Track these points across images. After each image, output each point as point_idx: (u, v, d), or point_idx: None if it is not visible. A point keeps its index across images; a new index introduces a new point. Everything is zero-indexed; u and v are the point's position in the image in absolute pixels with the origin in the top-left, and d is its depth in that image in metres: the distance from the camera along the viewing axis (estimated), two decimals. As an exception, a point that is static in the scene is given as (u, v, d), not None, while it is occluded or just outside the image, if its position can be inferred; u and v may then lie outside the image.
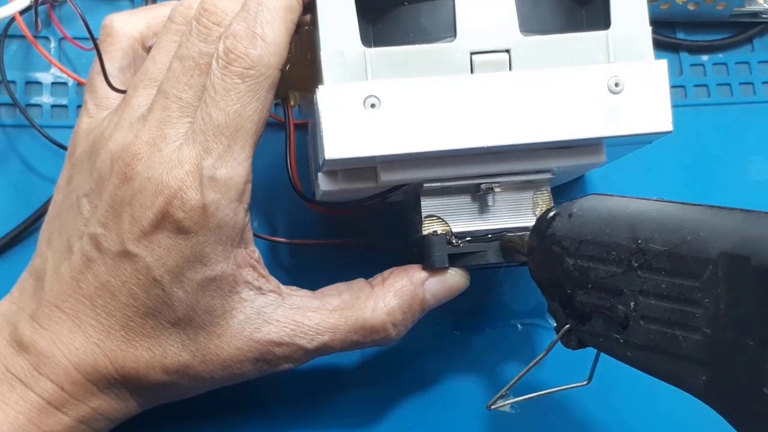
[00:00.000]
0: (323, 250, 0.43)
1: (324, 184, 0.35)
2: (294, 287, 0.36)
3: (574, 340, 0.32)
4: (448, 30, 0.33)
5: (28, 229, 0.41)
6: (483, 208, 0.36)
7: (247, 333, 0.34)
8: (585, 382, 0.36)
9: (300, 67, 0.36)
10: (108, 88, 0.36)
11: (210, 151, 0.32)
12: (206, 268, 0.33)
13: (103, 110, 0.36)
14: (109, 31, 0.36)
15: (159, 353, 0.34)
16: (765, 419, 0.26)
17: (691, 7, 0.49)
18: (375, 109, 0.32)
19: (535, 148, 0.34)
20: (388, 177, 0.34)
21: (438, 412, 0.42)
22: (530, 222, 0.36)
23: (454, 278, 0.37)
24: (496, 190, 0.36)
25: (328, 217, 0.42)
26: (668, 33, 0.50)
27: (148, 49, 0.37)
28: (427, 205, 0.36)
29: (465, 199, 0.36)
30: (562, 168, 0.36)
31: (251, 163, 0.33)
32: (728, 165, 0.48)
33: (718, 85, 0.50)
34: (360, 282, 0.37)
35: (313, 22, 0.34)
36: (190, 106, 0.32)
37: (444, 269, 0.36)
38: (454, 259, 0.36)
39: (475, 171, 0.35)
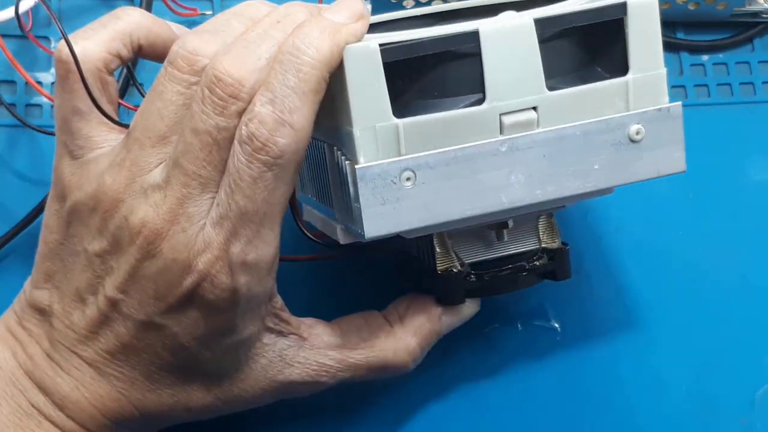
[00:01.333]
0: (315, 265, 0.43)
1: (344, 238, 0.35)
2: (311, 321, 0.36)
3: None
4: (473, 88, 0.32)
5: (27, 227, 0.41)
6: (493, 239, 0.37)
7: (270, 375, 0.35)
8: None
9: None
10: (88, 128, 0.33)
11: (238, 236, 0.30)
12: (235, 335, 0.33)
13: (88, 151, 0.33)
14: (69, 66, 0.32)
15: (184, 398, 0.34)
16: None
17: (691, 6, 0.49)
18: (410, 183, 0.31)
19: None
20: (412, 235, 0.34)
21: (438, 412, 0.42)
22: (535, 245, 0.37)
23: (469, 309, 0.38)
24: (510, 225, 0.37)
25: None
26: (668, 33, 0.50)
27: (110, 72, 0.34)
28: (441, 243, 0.36)
29: (477, 234, 0.37)
30: (575, 203, 0.37)
31: (279, 240, 0.32)
32: (728, 165, 0.48)
33: (718, 85, 0.50)
34: (377, 318, 0.37)
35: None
36: (211, 183, 0.31)
37: (459, 303, 0.38)
38: (468, 292, 0.37)
39: (495, 219, 0.36)
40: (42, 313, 0.34)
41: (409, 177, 0.32)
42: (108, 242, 0.32)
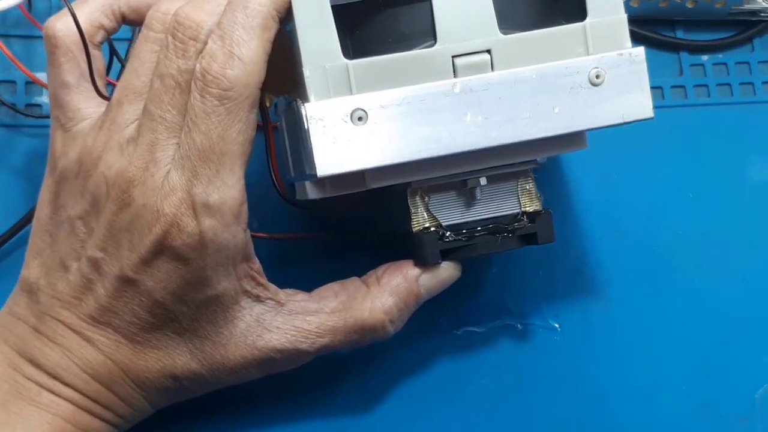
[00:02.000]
0: (303, 244, 0.43)
1: (312, 192, 0.36)
2: (291, 291, 0.36)
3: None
4: (427, 33, 0.33)
5: (27, 226, 0.41)
6: (470, 201, 0.37)
7: (250, 341, 0.35)
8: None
9: (273, 68, 0.36)
10: (77, 100, 0.35)
11: (199, 176, 0.31)
12: (208, 289, 0.33)
13: (78, 122, 0.35)
14: (55, 42, 0.34)
15: (169, 363, 0.34)
16: None
17: (689, 4, 0.49)
18: (362, 123, 0.32)
19: (521, 143, 0.34)
20: (376, 182, 0.35)
21: (438, 412, 0.42)
22: (515, 209, 0.37)
23: (447, 271, 0.37)
24: (482, 183, 0.36)
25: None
26: (668, 33, 0.50)
27: (96, 46, 0.35)
28: (415, 202, 0.36)
29: (452, 193, 0.37)
30: (546, 157, 0.37)
31: (243, 184, 0.32)
32: (728, 165, 0.48)
33: (718, 85, 0.50)
34: (354, 281, 0.37)
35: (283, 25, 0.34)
36: (176, 127, 0.32)
37: (437, 263, 0.37)
38: (446, 253, 0.37)
39: (462, 169, 0.35)
40: (30, 292, 0.34)
41: (361, 117, 0.32)
42: (88, 202, 0.33)
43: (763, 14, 0.50)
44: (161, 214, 0.31)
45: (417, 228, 0.36)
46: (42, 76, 0.44)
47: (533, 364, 0.43)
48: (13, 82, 0.44)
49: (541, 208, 0.37)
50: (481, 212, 0.37)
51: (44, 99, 0.44)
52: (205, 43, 0.31)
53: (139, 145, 0.32)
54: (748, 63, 0.50)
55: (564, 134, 0.34)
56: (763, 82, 0.50)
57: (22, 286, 0.35)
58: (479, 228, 0.37)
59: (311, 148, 0.32)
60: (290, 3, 0.32)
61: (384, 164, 0.32)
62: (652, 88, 0.33)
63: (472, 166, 0.35)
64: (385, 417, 0.42)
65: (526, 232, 0.37)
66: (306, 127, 0.32)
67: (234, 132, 0.31)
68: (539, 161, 0.37)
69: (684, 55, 0.50)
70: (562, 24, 0.34)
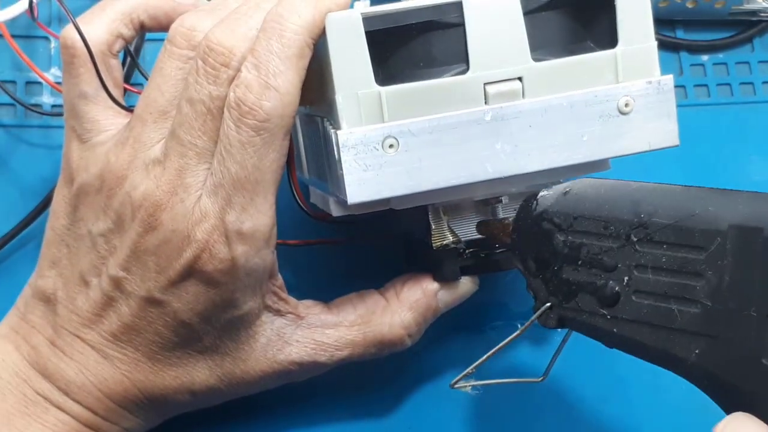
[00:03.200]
0: (315, 250, 0.43)
1: (336, 210, 0.36)
2: (309, 302, 0.37)
3: (554, 318, 0.33)
4: (460, 59, 0.33)
5: (28, 227, 0.41)
6: (490, 217, 0.37)
7: (270, 355, 0.35)
8: (540, 378, 0.36)
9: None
10: (95, 111, 0.34)
11: (233, 204, 0.31)
12: (235, 310, 0.33)
13: (96, 134, 0.34)
14: (74, 52, 0.34)
15: (187, 380, 0.34)
16: (763, 389, 0.26)
17: (689, 5, 0.49)
18: (393, 150, 0.32)
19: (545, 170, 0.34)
20: (401, 205, 0.34)
21: (437, 412, 0.42)
22: None
23: (465, 287, 0.38)
24: (504, 201, 0.36)
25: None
26: (668, 32, 0.50)
27: (115, 55, 0.35)
28: (437, 219, 0.36)
29: (473, 211, 0.37)
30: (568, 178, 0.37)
31: (275, 210, 0.32)
32: (728, 165, 0.48)
33: (718, 85, 0.50)
34: (373, 294, 0.37)
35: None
36: (206, 152, 0.31)
37: (456, 279, 0.37)
38: (465, 269, 0.37)
39: (487, 193, 0.36)
40: (46, 302, 0.34)
41: (392, 144, 0.32)
42: (112, 221, 0.33)
43: (763, 14, 0.50)
44: (192, 239, 0.31)
45: (437, 244, 0.36)
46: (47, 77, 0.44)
47: (533, 364, 0.43)
48: (13, 82, 0.44)
49: None
50: None
51: (44, 99, 0.44)
52: (237, 70, 0.31)
53: (167, 169, 0.32)
54: (748, 63, 0.50)
55: (590, 162, 0.34)
56: (763, 82, 0.50)
57: (37, 294, 0.35)
58: (498, 245, 0.37)
59: (343, 176, 0.32)
60: (325, 30, 0.31)
61: (414, 192, 0.32)
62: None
63: (498, 189, 0.36)
64: (384, 417, 0.42)
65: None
66: (338, 156, 0.32)
67: (269, 161, 0.31)
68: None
69: (684, 55, 0.50)
70: (592, 50, 0.34)
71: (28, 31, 0.44)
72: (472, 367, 0.34)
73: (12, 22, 0.41)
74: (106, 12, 0.35)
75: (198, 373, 0.34)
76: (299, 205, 0.37)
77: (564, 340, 0.36)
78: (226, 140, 0.31)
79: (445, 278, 0.37)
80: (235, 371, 0.35)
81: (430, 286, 0.37)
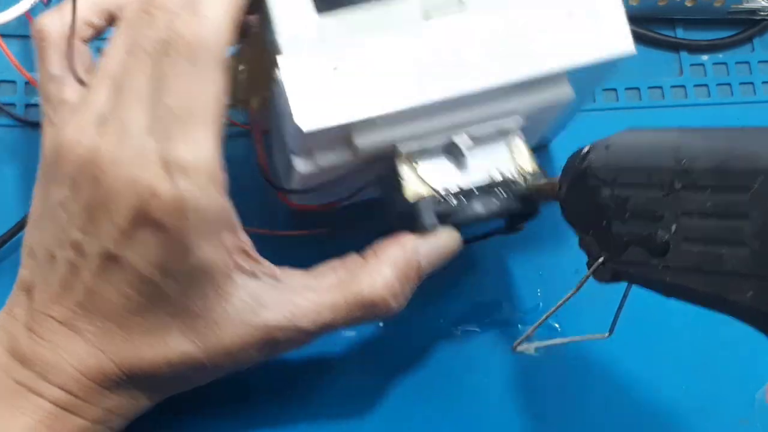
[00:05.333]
0: (295, 242, 0.42)
1: (301, 165, 0.35)
2: (288, 268, 0.36)
3: (608, 273, 0.32)
4: None
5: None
6: (461, 163, 0.36)
7: (246, 319, 0.34)
8: (606, 335, 0.36)
9: (258, 72, 0.36)
10: (64, 92, 0.35)
11: (170, 138, 0.31)
12: (192, 257, 0.32)
13: (60, 113, 0.35)
14: (44, 36, 0.35)
15: (161, 348, 0.33)
16: None
17: (688, 3, 0.49)
18: (338, 74, 0.32)
19: (499, 88, 0.34)
20: (362, 141, 0.34)
21: (437, 412, 0.42)
22: (510, 171, 0.36)
23: (444, 237, 0.36)
24: (468, 142, 0.36)
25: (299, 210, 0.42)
26: (668, 32, 0.50)
27: (85, 42, 0.36)
28: (404, 169, 0.36)
29: (441, 158, 0.36)
30: (530, 108, 0.36)
31: (218, 149, 0.32)
32: (728, 165, 0.48)
33: (718, 85, 0.50)
34: (353, 257, 0.37)
35: (261, 22, 0.34)
36: (146, 95, 0.32)
37: (434, 231, 0.36)
38: (443, 218, 0.36)
39: (445, 122, 0.35)
40: (27, 291, 0.34)
41: (336, 67, 0.32)
42: (67, 186, 0.32)
43: (762, 13, 0.50)
44: (136, 182, 0.31)
45: (410, 195, 0.35)
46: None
47: (533, 364, 0.43)
48: (13, 82, 0.44)
49: (537, 168, 0.37)
50: (475, 176, 0.36)
51: (44, 99, 0.44)
52: (174, 13, 0.32)
53: (109, 120, 0.32)
54: (748, 63, 0.50)
55: (542, 77, 0.33)
56: (763, 82, 0.50)
57: (19, 285, 0.35)
58: (475, 190, 0.36)
59: (287, 101, 0.31)
60: None
61: (362, 118, 0.32)
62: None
63: (455, 118, 0.35)
64: (383, 417, 0.41)
65: (525, 192, 0.36)
66: (281, 85, 0.32)
67: (203, 91, 0.31)
68: (522, 115, 0.36)
69: (684, 54, 0.50)
70: None
71: (26, 30, 0.44)
72: (532, 328, 0.34)
73: (12, 23, 0.41)
74: (79, 1, 0.35)
75: (172, 339, 0.33)
76: (271, 185, 0.37)
77: (625, 295, 0.35)
78: (161, 73, 0.31)
79: (423, 226, 0.36)
80: (210, 335, 0.34)
81: (408, 240, 0.36)
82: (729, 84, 0.50)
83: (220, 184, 0.32)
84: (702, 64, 0.50)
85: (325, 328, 0.35)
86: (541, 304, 0.44)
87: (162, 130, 0.31)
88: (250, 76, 0.35)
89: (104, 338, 0.33)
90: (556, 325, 0.44)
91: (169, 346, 0.33)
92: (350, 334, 0.43)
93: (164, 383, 0.35)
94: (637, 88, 0.49)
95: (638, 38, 0.50)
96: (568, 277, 0.45)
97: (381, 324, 0.43)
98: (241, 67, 0.37)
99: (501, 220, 0.38)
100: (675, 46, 0.50)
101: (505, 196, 0.36)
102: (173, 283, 0.32)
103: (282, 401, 0.41)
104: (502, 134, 0.36)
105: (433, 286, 0.44)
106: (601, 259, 0.32)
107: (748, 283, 0.27)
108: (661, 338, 0.44)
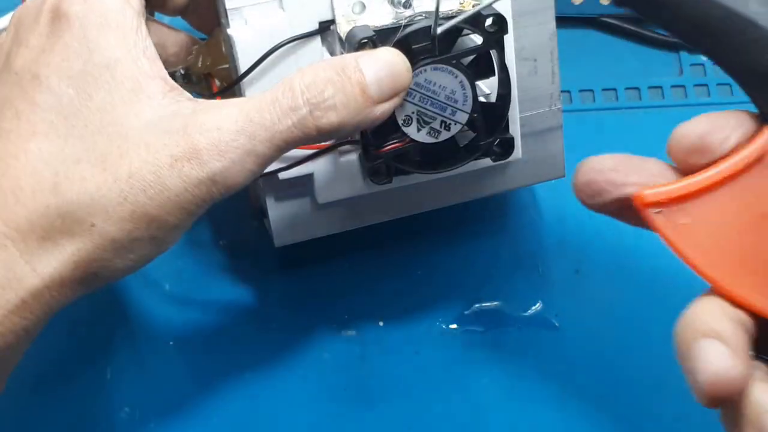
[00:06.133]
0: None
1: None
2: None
3: None
4: None
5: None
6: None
7: (163, 127, 0.30)
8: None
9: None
10: None
11: None
12: (96, 55, 0.31)
13: None
14: None
15: (77, 181, 0.30)
16: None
17: (689, 5, 0.49)
18: None
19: None
20: None
21: (437, 412, 0.42)
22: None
23: (387, 53, 0.32)
24: None
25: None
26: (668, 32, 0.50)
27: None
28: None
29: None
30: None
31: None
32: (728, 165, 0.48)
33: (718, 84, 0.50)
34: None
35: None
36: None
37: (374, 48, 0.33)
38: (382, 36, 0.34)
39: None
40: None
41: None
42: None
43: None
44: None
45: (343, 28, 0.34)
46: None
47: (533, 364, 0.43)
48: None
49: None
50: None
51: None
52: None
53: None
54: (748, 63, 0.50)
55: None
56: (763, 82, 0.50)
57: None
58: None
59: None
60: None
61: None
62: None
63: None
64: (383, 417, 0.41)
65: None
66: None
67: None
68: None
69: (684, 55, 0.50)
70: None
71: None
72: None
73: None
74: None
75: (85, 171, 0.30)
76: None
77: None
78: None
79: (356, 39, 0.33)
80: (123, 165, 0.30)
81: (345, 57, 0.32)
82: (729, 84, 0.50)
83: None
84: (702, 64, 0.50)
85: (259, 134, 0.30)
86: (541, 303, 0.44)
87: None
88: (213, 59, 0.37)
89: (39, 154, 0.31)
90: (557, 324, 0.44)
91: (86, 179, 0.30)
92: (350, 333, 0.43)
93: (90, 236, 0.30)
94: (637, 88, 0.49)
95: (638, 38, 0.50)
96: (568, 276, 0.45)
97: (381, 323, 0.43)
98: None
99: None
100: (675, 46, 0.50)
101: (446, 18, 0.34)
102: (72, 92, 0.31)
103: (282, 401, 0.41)
104: None
105: (433, 286, 0.44)
106: None
107: None
108: (661, 338, 0.44)
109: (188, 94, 0.32)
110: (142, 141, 0.30)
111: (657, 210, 0.29)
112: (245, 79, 0.35)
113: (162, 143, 0.30)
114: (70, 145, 0.30)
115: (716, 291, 0.30)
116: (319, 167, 0.37)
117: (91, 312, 0.43)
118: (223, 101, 0.31)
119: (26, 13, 0.33)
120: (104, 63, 0.31)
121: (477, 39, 0.34)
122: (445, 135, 0.35)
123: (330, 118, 0.31)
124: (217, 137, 0.30)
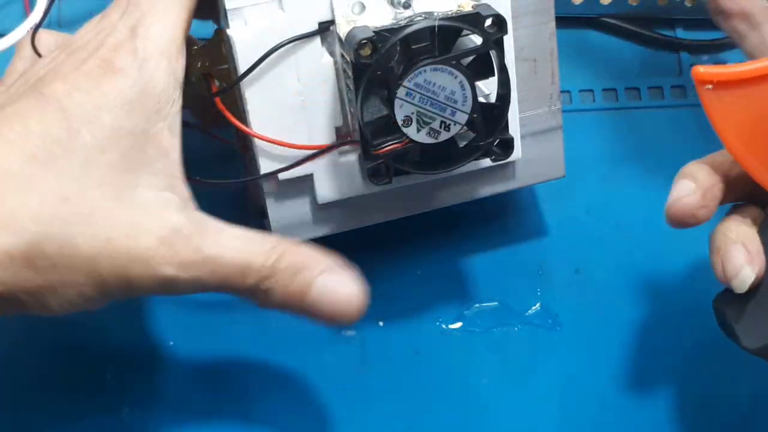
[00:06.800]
0: None
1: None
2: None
3: None
4: None
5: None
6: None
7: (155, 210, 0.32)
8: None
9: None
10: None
11: (137, 14, 0.33)
12: (124, 115, 0.32)
13: None
14: None
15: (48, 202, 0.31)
16: None
17: (688, 3, 0.49)
18: None
19: None
20: None
21: (437, 412, 0.42)
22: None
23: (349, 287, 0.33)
24: None
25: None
26: (668, 32, 0.50)
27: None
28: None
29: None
30: None
31: (182, 31, 0.33)
32: (728, 165, 0.48)
33: (718, 84, 0.50)
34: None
35: None
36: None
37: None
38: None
39: None
40: None
41: None
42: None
43: (762, 14, 0.50)
44: (102, 44, 0.33)
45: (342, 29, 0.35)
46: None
47: (533, 364, 0.43)
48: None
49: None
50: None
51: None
52: None
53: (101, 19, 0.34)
54: (748, 63, 0.50)
55: None
56: (763, 82, 0.50)
57: None
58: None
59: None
60: None
61: None
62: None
63: None
64: (383, 417, 0.42)
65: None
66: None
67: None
68: None
69: (684, 55, 0.50)
70: None
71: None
72: None
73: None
74: None
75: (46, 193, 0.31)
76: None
77: None
78: None
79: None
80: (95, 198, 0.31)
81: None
82: (729, 84, 0.50)
83: (173, 64, 0.33)
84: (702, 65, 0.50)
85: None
86: (540, 303, 0.44)
87: (131, 11, 0.33)
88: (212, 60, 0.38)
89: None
90: (557, 324, 0.44)
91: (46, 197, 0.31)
92: (350, 333, 0.43)
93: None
94: (637, 88, 0.49)
95: (638, 38, 0.50)
96: (568, 276, 0.45)
97: (381, 323, 0.43)
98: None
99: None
100: (675, 47, 0.50)
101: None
102: (90, 135, 0.32)
103: (281, 401, 0.41)
104: None
105: (433, 286, 0.44)
106: None
107: None
108: (662, 338, 0.44)
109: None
110: (128, 220, 0.31)
111: (708, 86, 0.33)
112: (245, 80, 0.35)
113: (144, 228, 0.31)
114: (62, 183, 0.31)
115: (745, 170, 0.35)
116: (319, 167, 0.37)
117: (90, 312, 0.43)
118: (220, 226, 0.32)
119: (73, 47, 0.34)
120: (129, 127, 0.32)
121: (477, 39, 0.34)
122: (444, 135, 0.35)
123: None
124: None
